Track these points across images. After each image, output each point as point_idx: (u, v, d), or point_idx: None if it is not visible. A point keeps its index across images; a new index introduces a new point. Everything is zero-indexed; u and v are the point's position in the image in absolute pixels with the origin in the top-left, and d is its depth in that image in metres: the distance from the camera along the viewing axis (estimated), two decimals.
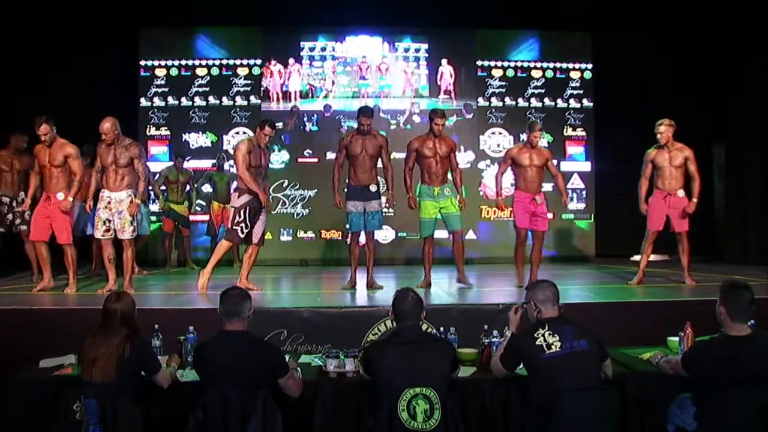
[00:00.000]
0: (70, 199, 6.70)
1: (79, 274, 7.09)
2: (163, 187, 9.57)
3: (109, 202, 6.58)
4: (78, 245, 7.81)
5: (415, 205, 7.00)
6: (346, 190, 7.03)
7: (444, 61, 11.00)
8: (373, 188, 6.94)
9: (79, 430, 3.52)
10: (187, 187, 9.71)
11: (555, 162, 7.57)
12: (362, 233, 7.02)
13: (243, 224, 6.61)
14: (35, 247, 7.00)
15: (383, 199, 7.07)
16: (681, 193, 6.93)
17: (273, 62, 10.86)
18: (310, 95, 10.95)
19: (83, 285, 7.12)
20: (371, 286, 6.95)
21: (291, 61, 10.89)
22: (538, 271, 6.95)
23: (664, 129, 6.87)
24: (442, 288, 7.05)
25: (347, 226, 7.07)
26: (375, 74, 11.05)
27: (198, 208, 10.31)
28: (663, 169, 6.94)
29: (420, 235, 7.08)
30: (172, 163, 9.85)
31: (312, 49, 11.00)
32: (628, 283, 7.05)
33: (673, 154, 6.91)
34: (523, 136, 10.57)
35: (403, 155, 10.41)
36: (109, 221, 6.59)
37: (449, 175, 7.00)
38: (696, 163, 6.94)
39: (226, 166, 9.99)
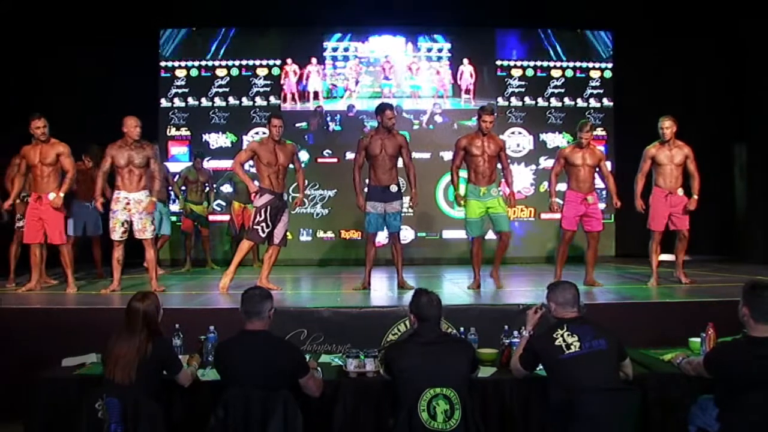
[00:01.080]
0: (62, 195, 6.66)
1: (84, 276, 7.04)
2: (183, 188, 9.63)
3: (127, 203, 6.59)
4: (79, 246, 7.84)
5: (463, 202, 6.94)
6: (366, 190, 7.00)
7: (465, 61, 10.98)
8: (393, 189, 6.86)
9: (101, 428, 3.56)
10: (207, 188, 9.76)
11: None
12: (382, 234, 7.01)
13: (264, 224, 6.65)
14: (30, 249, 6.83)
15: (406, 199, 7.01)
16: (681, 191, 6.90)
17: (290, 62, 10.87)
18: (331, 95, 10.96)
19: (93, 286, 7.13)
20: (402, 286, 6.90)
21: (314, 60, 10.91)
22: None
23: (669, 124, 6.82)
24: (462, 288, 7.04)
25: (365, 226, 7.04)
26: (404, 73, 11.04)
27: (217, 209, 10.35)
28: (664, 167, 6.89)
29: (467, 236, 7.06)
30: (191, 164, 9.91)
31: (335, 50, 11.01)
32: (647, 284, 7.01)
33: (674, 152, 6.88)
34: (546, 136, 10.88)
35: (424, 155, 10.67)
36: (128, 222, 6.60)
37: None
38: (695, 162, 6.90)
39: (246, 166, 9.99)
